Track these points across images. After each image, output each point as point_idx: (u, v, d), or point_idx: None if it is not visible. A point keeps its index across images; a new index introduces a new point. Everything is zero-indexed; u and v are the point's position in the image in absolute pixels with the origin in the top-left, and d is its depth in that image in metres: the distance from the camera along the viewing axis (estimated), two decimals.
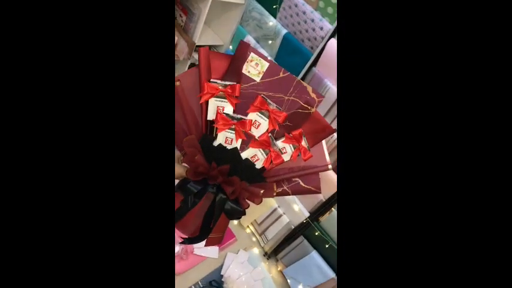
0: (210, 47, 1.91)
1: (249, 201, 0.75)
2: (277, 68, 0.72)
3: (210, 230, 0.72)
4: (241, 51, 0.71)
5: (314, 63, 1.47)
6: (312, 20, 1.41)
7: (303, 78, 1.55)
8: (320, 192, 0.79)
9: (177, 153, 0.75)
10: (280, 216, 1.78)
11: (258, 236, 1.91)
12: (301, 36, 1.51)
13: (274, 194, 0.75)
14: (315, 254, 1.63)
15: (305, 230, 1.67)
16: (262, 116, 0.72)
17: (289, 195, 0.79)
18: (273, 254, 1.84)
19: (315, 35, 1.43)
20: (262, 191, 0.71)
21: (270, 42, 1.60)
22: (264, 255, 1.86)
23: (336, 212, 1.56)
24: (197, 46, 1.72)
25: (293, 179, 0.77)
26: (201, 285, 1.60)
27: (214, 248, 1.71)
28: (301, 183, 0.77)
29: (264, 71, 0.71)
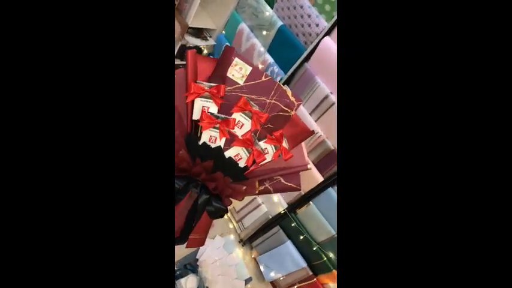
0: (203, 30, 1.86)
1: (231, 198, 0.78)
2: (259, 72, 0.76)
3: (192, 229, 0.74)
4: (226, 56, 0.74)
5: (306, 59, 1.47)
6: (309, 16, 1.39)
7: (294, 73, 1.54)
8: (300, 189, 0.84)
9: None
10: (259, 205, 1.82)
11: (234, 223, 1.95)
12: (296, 30, 1.48)
13: (257, 191, 0.79)
14: (289, 244, 1.68)
15: (282, 221, 1.72)
16: (245, 116, 0.74)
17: (271, 193, 0.83)
18: (248, 241, 1.89)
19: (310, 30, 1.41)
20: (244, 187, 0.75)
21: (264, 32, 1.57)
22: (239, 242, 1.91)
23: (314, 205, 1.61)
24: (190, 28, 1.66)
25: (275, 177, 0.82)
26: (176, 268, 1.64)
27: None
28: (283, 180, 0.82)
29: (248, 74, 0.74)
